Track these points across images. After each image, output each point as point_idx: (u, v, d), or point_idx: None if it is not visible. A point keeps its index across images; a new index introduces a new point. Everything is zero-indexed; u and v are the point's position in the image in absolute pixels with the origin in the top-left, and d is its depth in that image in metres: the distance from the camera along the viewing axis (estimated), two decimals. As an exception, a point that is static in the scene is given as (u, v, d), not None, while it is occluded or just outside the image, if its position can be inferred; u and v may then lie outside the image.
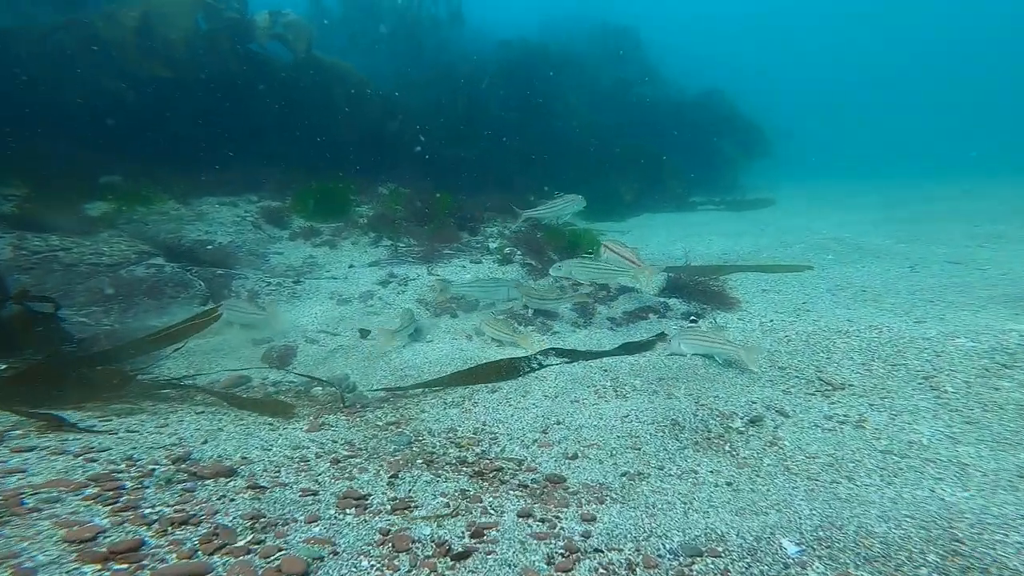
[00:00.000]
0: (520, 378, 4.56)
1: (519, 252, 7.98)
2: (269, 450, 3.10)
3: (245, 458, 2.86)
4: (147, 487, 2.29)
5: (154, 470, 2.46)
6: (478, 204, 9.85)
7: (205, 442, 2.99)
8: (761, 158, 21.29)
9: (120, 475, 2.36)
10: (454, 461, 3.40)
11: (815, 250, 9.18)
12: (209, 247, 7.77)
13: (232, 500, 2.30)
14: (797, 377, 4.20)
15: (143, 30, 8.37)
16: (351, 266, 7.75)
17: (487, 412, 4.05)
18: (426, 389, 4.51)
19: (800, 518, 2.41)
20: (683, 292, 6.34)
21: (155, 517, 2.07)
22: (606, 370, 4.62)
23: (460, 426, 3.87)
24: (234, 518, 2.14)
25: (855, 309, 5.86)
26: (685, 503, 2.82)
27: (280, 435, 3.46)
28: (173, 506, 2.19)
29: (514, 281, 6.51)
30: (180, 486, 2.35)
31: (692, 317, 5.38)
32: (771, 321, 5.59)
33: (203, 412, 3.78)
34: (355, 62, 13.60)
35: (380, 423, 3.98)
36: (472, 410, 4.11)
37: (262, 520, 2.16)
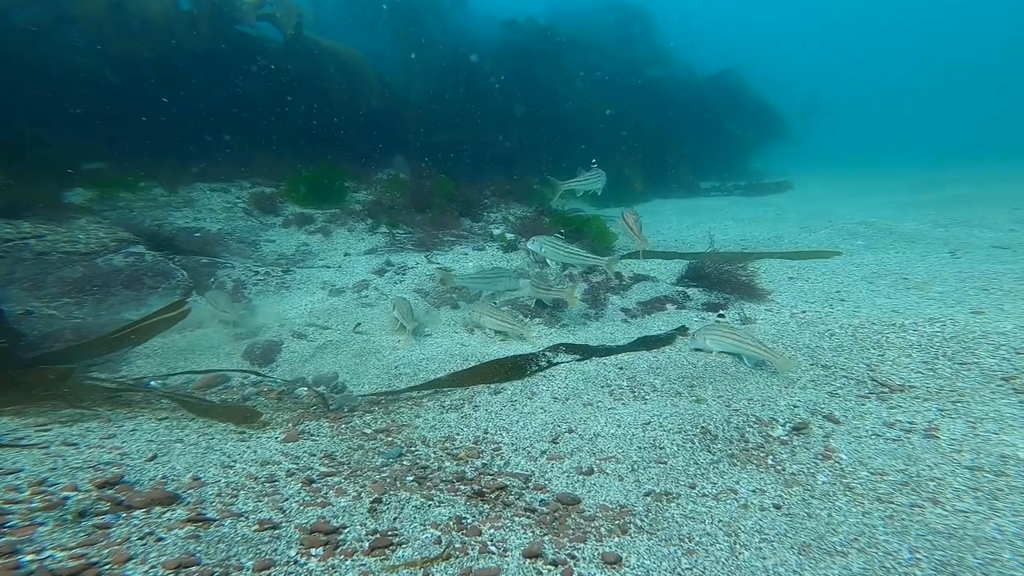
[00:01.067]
0: (527, 377, 4.06)
1: (524, 239, 7.44)
2: (231, 467, 2.63)
3: (197, 479, 2.38)
4: (42, 523, 1.81)
5: (68, 499, 1.99)
6: (481, 189, 9.30)
7: (153, 458, 2.52)
8: (777, 141, 20.43)
9: (13, 507, 1.89)
10: (451, 478, 2.93)
11: (842, 235, 8.55)
12: (196, 234, 7.32)
13: (160, 540, 1.83)
14: (845, 377, 3.66)
15: (118, 5, 7.86)
16: (346, 254, 7.27)
17: (489, 417, 3.56)
18: (422, 391, 4.02)
19: (899, 564, 1.88)
20: (703, 280, 5.79)
21: (32, 567, 1.59)
22: (622, 368, 4.10)
23: (459, 434, 3.39)
24: (152, 568, 1.67)
25: (897, 298, 5.29)
26: (729, 535, 2.32)
27: (249, 447, 2.99)
28: (70, 550, 1.70)
29: (517, 270, 6.00)
30: (94, 520, 1.87)
31: (720, 312, 4.83)
32: (803, 312, 5.03)
33: (166, 419, 3.32)
34: (358, 43, 12.98)
35: (368, 430, 3.51)
36: (472, 415, 3.62)
37: (191, 570, 1.69)
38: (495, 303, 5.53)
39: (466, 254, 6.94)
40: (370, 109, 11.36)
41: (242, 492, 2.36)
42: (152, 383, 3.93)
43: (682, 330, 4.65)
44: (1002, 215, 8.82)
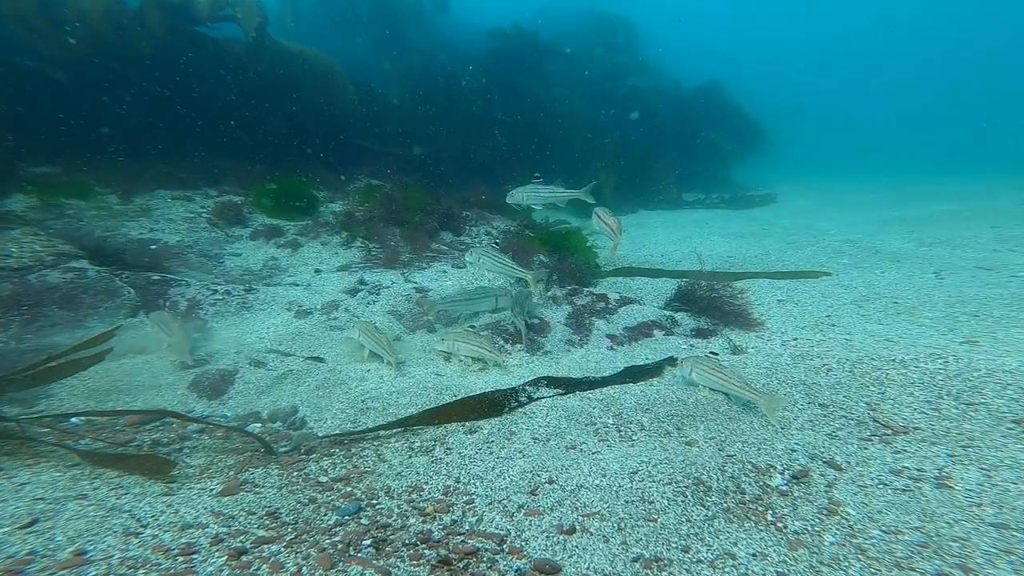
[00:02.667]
0: (505, 415, 3.71)
1: (507, 255, 7.11)
2: (137, 535, 2.20)
3: (81, 554, 1.96)
4: None
5: None
6: (461, 200, 8.96)
7: (30, 524, 2.08)
8: (761, 154, 20.63)
9: None
10: (415, 540, 2.55)
11: (828, 253, 8.46)
12: (152, 247, 6.80)
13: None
14: (845, 417, 3.40)
15: (48, 1, 7.34)
16: (317, 270, 6.83)
17: (462, 463, 3.20)
18: (390, 430, 3.63)
19: None
20: (692, 305, 5.53)
21: None
22: (607, 404, 3.79)
23: (427, 483, 3.02)
24: None
25: (889, 324, 5.11)
26: (730, 622, 2.00)
27: (171, 505, 2.57)
28: None
29: (503, 289, 5.65)
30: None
31: (712, 351, 4.56)
32: (795, 339, 4.81)
33: (77, 466, 2.86)
34: (335, 48, 12.60)
35: (324, 479, 3.11)
36: (444, 459, 3.25)
37: None
38: (473, 327, 5.18)
39: (445, 272, 6.57)
40: (345, 116, 10.95)
41: (140, 572, 1.94)
42: (73, 420, 3.45)
43: (670, 360, 4.36)
44: (984, 233, 8.86)
